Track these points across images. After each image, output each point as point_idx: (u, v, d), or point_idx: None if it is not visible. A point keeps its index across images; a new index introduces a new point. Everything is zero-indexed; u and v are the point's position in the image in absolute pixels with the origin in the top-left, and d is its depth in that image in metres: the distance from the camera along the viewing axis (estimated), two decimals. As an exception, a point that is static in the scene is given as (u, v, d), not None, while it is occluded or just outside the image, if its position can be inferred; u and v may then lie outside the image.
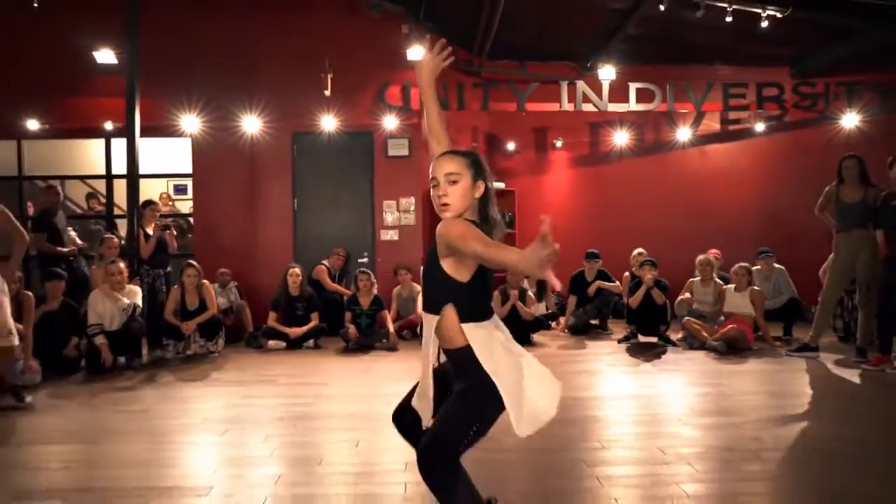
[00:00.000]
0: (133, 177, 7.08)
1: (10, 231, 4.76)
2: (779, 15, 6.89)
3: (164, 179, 10.53)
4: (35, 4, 5.68)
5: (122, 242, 7.53)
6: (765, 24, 7.07)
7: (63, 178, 9.39)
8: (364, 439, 3.77)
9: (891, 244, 5.54)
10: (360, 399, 4.93)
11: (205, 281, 6.89)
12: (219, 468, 3.42)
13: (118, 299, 6.12)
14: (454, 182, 2.15)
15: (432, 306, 2.22)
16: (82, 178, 9.69)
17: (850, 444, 3.61)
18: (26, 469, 3.42)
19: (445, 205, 2.15)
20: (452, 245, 2.06)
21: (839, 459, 3.35)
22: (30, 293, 5.62)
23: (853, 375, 5.46)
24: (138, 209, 6.99)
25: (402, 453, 3.02)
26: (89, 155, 9.51)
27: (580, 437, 3.85)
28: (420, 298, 7.60)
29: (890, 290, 5.46)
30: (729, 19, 6.99)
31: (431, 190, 2.20)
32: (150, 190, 9.55)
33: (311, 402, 4.80)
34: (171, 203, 10.47)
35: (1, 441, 3.94)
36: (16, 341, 4.69)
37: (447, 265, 2.16)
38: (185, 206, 10.09)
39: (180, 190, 11.02)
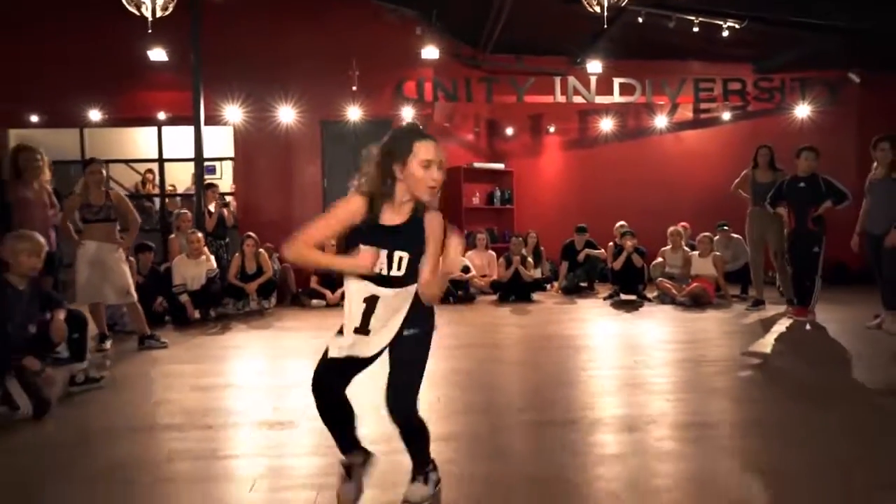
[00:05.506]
0: (199, 160, 8.36)
1: (126, 213, 6.08)
2: (737, 26, 8.28)
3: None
4: (149, 31, 6.83)
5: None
6: (725, 33, 8.47)
7: (120, 161, 10.63)
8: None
9: (796, 220, 6.75)
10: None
11: (261, 249, 8.25)
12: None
13: (200, 264, 7.48)
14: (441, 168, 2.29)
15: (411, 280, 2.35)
16: (136, 161, 10.91)
17: (778, 355, 5.11)
18: (202, 390, 4.84)
19: (434, 188, 2.28)
20: (439, 239, 2.34)
21: (772, 363, 4.83)
22: (131, 259, 6.96)
23: (782, 318, 6.96)
24: (203, 189, 8.30)
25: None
26: (139, 142, 10.77)
27: (576, 357, 5.31)
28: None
29: (799, 258, 6.78)
30: (696, 29, 8.37)
31: (421, 170, 2.24)
32: (184, 171, 10.89)
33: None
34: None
35: (167, 362, 5.35)
36: (135, 298, 6.03)
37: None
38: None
39: (210, 170, 12.27)
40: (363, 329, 2.33)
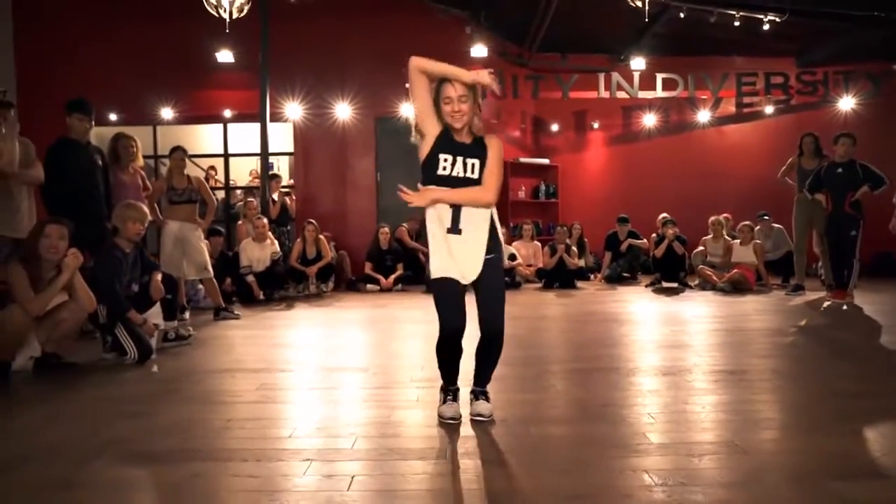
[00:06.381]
0: (265, 154, 8.98)
1: (204, 196, 6.70)
2: (778, 20, 8.52)
3: (254, 158, 12.43)
4: (227, 31, 7.49)
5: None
6: (767, 27, 8.71)
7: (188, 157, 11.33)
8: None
9: (834, 204, 6.97)
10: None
11: (321, 235, 8.81)
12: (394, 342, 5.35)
13: (265, 247, 8.08)
14: (465, 101, 2.82)
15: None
16: (201, 156, 11.59)
17: (810, 327, 5.40)
18: (288, 347, 5.38)
19: (457, 116, 2.82)
20: (499, 159, 2.92)
21: (803, 331, 5.13)
22: (206, 241, 7.58)
23: (820, 302, 7.18)
24: (268, 180, 8.92)
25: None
26: (203, 138, 11.49)
27: (618, 328, 5.68)
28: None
29: (836, 242, 7.00)
30: (737, 24, 8.64)
31: (444, 105, 2.82)
32: (240, 167, 11.54)
33: (418, 314, 6.69)
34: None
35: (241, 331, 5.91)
36: (212, 274, 6.63)
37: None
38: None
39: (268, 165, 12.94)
40: (454, 228, 2.85)
